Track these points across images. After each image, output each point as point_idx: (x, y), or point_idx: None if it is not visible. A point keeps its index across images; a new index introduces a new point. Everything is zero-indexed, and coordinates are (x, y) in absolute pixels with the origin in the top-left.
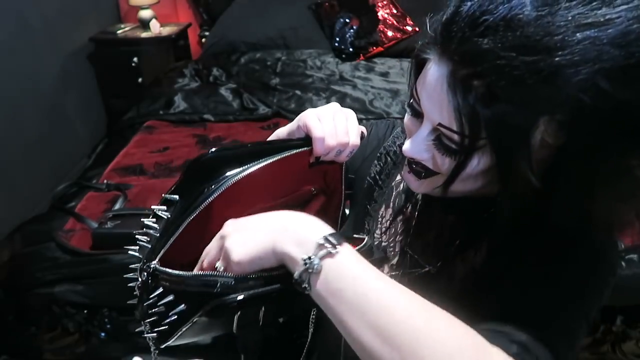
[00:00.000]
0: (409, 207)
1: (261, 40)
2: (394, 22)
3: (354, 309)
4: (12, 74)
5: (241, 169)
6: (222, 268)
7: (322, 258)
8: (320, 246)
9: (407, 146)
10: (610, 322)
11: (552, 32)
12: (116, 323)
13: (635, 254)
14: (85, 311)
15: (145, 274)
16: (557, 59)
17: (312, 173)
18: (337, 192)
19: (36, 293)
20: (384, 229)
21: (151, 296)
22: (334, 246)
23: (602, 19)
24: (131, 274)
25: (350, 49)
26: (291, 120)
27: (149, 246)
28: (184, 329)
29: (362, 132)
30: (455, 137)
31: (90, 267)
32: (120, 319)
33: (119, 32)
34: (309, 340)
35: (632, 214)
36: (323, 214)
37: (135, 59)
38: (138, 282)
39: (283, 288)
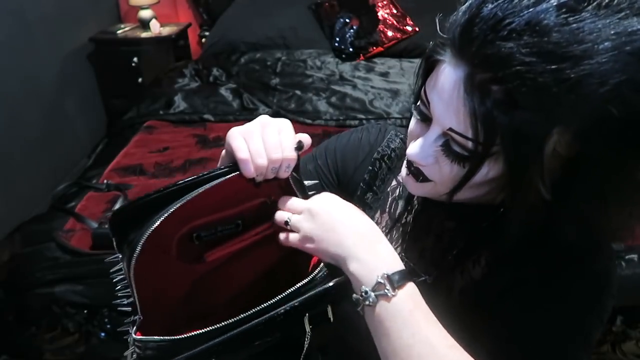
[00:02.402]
0: (406, 215)
1: (261, 40)
2: (394, 22)
3: (398, 350)
4: (12, 74)
5: (163, 211)
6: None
7: (378, 296)
8: (379, 285)
9: (412, 150)
10: (610, 322)
11: (579, 40)
12: (116, 323)
13: (635, 254)
14: (85, 311)
15: (132, 325)
16: (582, 67)
17: (261, 188)
18: None
19: (36, 293)
20: None
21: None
22: (393, 288)
23: (630, 29)
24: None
25: (350, 49)
26: (291, 120)
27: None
28: None
29: (299, 142)
30: (468, 143)
31: (90, 267)
32: (120, 319)
33: (119, 32)
34: (307, 340)
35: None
36: None
37: (135, 59)
38: (129, 331)
39: (233, 336)
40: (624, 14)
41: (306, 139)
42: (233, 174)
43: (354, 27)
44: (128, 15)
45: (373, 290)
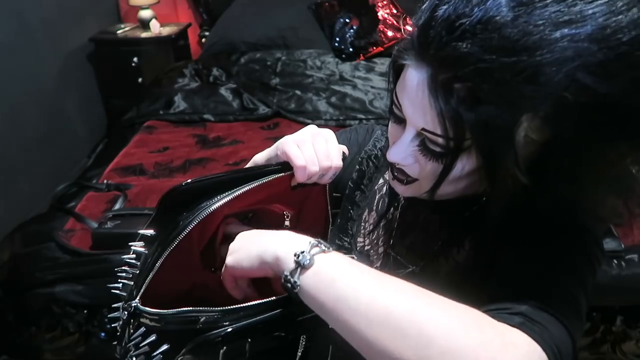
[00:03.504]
0: (392, 210)
1: (261, 40)
2: (394, 22)
3: (348, 297)
4: (12, 74)
5: (216, 198)
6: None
7: (314, 255)
8: (314, 245)
9: (392, 152)
10: (610, 322)
11: (530, 32)
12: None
13: (635, 254)
14: (85, 311)
15: (127, 312)
16: (537, 58)
17: (292, 196)
18: (319, 217)
19: (36, 293)
20: (366, 233)
21: (134, 335)
22: (328, 247)
23: (578, 16)
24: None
25: (350, 49)
26: (291, 120)
27: (131, 283)
28: None
29: (343, 152)
30: (440, 140)
31: (90, 267)
32: None
33: (119, 32)
34: (303, 342)
35: (619, 202)
36: None
37: (135, 59)
38: (120, 322)
39: (270, 318)
40: (571, 1)
41: (346, 149)
42: (283, 174)
43: (354, 27)
44: (128, 15)
45: (307, 250)
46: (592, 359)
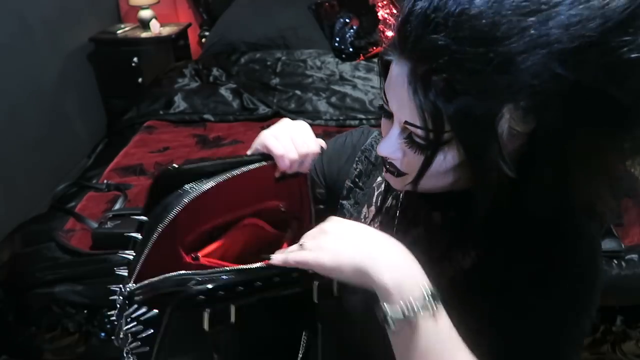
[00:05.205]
0: (392, 204)
1: (261, 40)
2: (394, 22)
3: None
4: (12, 74)
5: (202, 182)
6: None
7: (421, 311)
8: (424, 304)
9: (380, 146)
10: (610, 322)
11: (497, 22)
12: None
13: (635, 254)
14: (85, 311)
15: (122, 298)
16: (506, 47)
17: (278, 189)
18: (305, 209)
19: (36, 293)
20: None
21: (126, 314)
22: (435, 306)
23: (544, 6)
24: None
25: (350, 49)
26: (291, 119)
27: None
28: (158, 340)
29: (320, 146)
30: (422, 133)
31: (90, 267)
32: None
33: (119, 32)
34: (305, 340)
35: (607, 191)
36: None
37: (135, 59)
38: (115, 311)
39: (248, 278)
40: None
41: (323, 143)
42: (265, 163)
43: (354, 27)
44: (128, 15)
45: (417, 308)
46: (592, 359)
